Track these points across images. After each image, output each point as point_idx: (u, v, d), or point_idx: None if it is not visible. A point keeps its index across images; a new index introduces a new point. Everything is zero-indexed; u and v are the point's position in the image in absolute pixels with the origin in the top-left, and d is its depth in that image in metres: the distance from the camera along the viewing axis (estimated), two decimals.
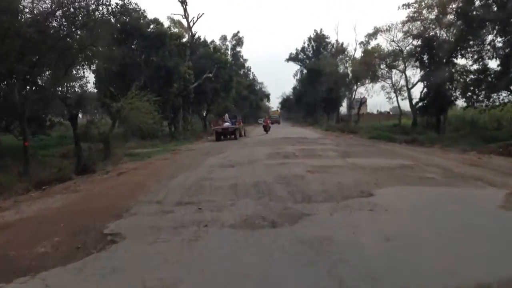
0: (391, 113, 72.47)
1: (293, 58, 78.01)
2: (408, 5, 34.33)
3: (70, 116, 16.09)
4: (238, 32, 69.76)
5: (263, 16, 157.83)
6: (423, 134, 28.08)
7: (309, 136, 32.67)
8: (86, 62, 21.23)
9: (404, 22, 36.24)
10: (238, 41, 71.17)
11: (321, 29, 75.45)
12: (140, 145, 28.00)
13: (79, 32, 16.58)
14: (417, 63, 29.60)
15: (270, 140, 28.58)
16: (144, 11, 34.32)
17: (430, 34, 28.30)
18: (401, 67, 40.62)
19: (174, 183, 10.85)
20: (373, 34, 47.33)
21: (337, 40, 65.44)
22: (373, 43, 45.25)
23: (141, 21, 33.75)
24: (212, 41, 46.96)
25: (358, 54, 55.75)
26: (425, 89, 29.58)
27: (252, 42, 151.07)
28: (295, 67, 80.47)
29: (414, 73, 40.17)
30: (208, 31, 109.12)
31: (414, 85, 39.33)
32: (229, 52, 67.23)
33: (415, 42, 36.11)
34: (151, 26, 34.28)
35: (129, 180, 12.05)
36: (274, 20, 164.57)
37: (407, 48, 38.37)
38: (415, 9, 34.23)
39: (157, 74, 33.11)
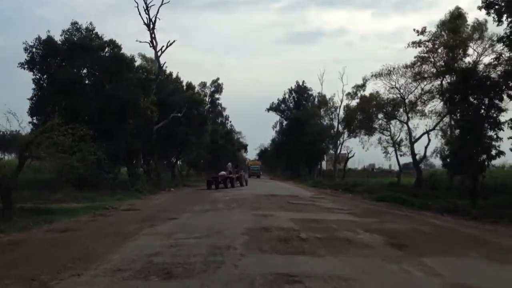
0: (374, 169, 64.88)
1: (273, 108, 70.32)
2: (419, 43, 27.15)
3: None
4: (217, 78, 61.90)
5: (242, 63, 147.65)
6: (441, 198, 20.18)
7: (299, 194, 23.98)
8: None
9: (411, 64, 28.96)
10: (217, 88, 63.28)
11: (303, 81, 67.94)
12: (72, 197, 18.99)
13: None
14: (444, 107, 21.77)
15: (250, 198, 19.74)
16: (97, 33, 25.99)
17: (468, 66, 20.57)
18: (403, 117, 32.96)
19: None
20: (361, 86, 40.65)
21: (319, 93, 57.51)
22: (368, 90, 37.91)
23: (93, 42, 25.45)
24: (189, 84, 38.30)
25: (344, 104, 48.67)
26: (453, 142, 21.54)
27: (229, 90, 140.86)
28: (274, 118, 72.35)
29: (416, 126, 32.38)
30: (184, 75, 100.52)
31: (418, 138, 31.59)
32: (207, 99, 59.20)
33: (426, 85, 29.04)
34: (106, 50, 25.88)
35: None
36: (253, 67, 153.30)
37: (413, 93, 31.01)
38: (427, 48, 27.08)
39: (110, 107, 24.48)
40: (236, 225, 10.43)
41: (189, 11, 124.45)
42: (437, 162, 35.97)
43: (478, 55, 25.58)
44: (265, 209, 14.65)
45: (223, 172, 31.15)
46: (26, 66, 24.27)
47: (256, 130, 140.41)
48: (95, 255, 6.94)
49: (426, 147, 31.24)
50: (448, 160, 20.29)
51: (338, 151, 50.46)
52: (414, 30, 26.77)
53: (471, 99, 19.12)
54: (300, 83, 69.29)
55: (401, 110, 32.90)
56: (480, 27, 24.66)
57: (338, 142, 49.77)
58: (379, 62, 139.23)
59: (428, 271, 5.93)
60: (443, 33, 26.36)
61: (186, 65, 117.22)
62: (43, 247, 7.98)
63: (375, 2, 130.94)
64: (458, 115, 19.74)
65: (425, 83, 29.43)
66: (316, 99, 61.70)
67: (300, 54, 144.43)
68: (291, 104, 69.45)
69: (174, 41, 29.88)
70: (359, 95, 39.62)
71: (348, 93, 43.01)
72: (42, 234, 9.47)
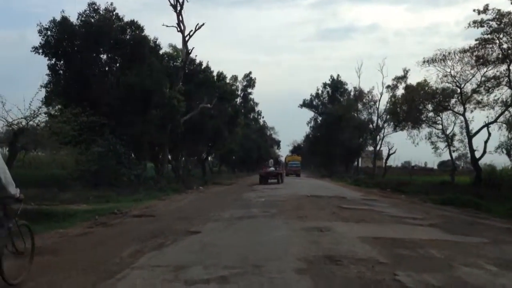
0: (414, 167, 59.68)
1: (307, 104, 66.30)
2: (480, 23, 22.69)
3: None
4: (250, 72, 58.23)
5: (273, 60, 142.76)
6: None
7: (346, 195, 19.97)
8: None
9: (470, 48, 24.43)
10: (250, 82, 59.56)
11: (338, 74, 63.56)
12: (83, 196, 15.72)
13: None
14: None
15: (289, 200, 16.00)
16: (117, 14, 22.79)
17: None
18: (457, 108, 28.32)
19: None
20: (402, 78, 38.13)
21: (354, 87, 52.70)
22: (410, 81, 33.99)
23: (113, 24, 22.25)
24: (220, 73, 34.06)
25: (385, 98, 44.59)
26: None
27: (261, 86, 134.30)
28: (307, 113, 68.26)
29: (471, 119, 27.57)
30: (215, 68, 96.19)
31: (477, 132, 26.89)
32: (239, 93, 55.43)
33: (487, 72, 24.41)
34: (127, 32, 22.62)
35: None
36: (284, 64, 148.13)
37: (470, 81, 26.35)
38: (491, 29, 22.55)
39: (131, 95, 21.27)
40: (283, 249, 6.71)
41: (220, 8, 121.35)
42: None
43: None
44: (314, 217, 10.85)
45: (271, 168, 32.67)
46: (40, 51, 21.32)
47: (289, 126, 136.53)
48: None
49: (486, 142, 26.37)
50: None
51: (378, 147, 46.07)
52: (474, 10, 22.54)
53: None
54: (335, 77, 64.95)
55: (453, 100, 28.42)
56: None
57: (378, 137, 45.42)
58: (413, 57, 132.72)
59: None
60: None
61: (216, 61, 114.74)
62: None
63: None
64: None
65: (485, 69, 24.95)
66: (352, 93, 57.18)
67: (332, 51, 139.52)
68: (325, 99, 65.16)
69: (203, 24, 26.47)
70: (400, 87, 36.83)
71: (388, 86, 40.95)
72: None
